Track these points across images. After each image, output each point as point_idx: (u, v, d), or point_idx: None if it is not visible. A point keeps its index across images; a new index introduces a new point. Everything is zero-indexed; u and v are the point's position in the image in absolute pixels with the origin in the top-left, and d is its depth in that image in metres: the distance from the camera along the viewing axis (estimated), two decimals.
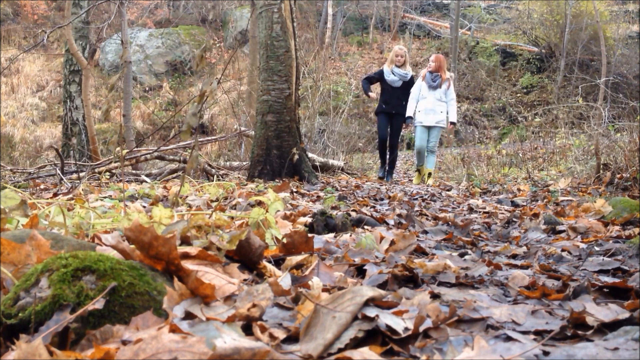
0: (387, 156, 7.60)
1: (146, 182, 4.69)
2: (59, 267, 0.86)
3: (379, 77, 7.70)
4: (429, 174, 7.14)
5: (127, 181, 4.79)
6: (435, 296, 1.11)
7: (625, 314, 0.94)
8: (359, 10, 23.87)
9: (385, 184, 6.37)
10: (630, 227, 2.43)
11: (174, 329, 0.77)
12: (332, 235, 1.91)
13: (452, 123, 7.36)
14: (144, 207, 2.38)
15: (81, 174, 4.79)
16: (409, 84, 7.54)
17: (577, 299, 1.09)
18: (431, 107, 7.18)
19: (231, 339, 0.75)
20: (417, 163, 7.46)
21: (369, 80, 7.94)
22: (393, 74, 7.48)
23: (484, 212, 3.38)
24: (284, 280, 1.13)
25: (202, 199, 2.59)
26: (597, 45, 17.32)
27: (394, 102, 7.49)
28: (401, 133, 8.07)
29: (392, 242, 1.71)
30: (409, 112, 7.40)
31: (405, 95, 7.55)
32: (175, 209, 1.75)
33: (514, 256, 1.86)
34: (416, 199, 4.26)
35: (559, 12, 18.57)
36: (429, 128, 7.21)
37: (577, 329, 0.90)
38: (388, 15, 23.83)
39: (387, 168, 7.60)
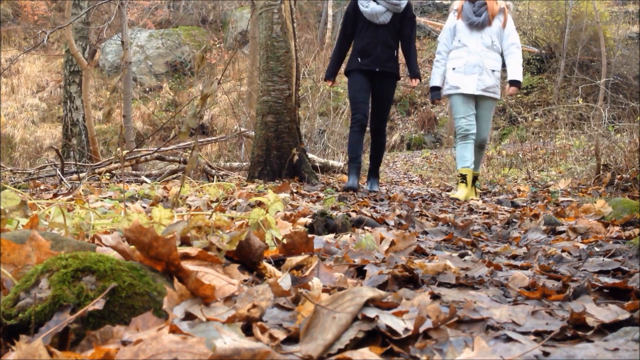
0: (361, 150, 4.66)
1: (146, 182, 4.69)
2: (59, 267, 0.86)
3: (353, 13, 4.47)
4: (475, 179, 4.43)
5: (127, 182, 4.79)
6: (435, 297, 1.11)
7: (626, 315, 0.94)
8: None
9: (371, 192, 4.47)
10: (630, 227, 2.43)
11: (174, 330, 0.77)
12: (332, 236, 1.91)
13: (514, 83, 4.31)
14: (144, 207, 2.38)
15: (81, 175, 4.79)
16: (403, 18, 4.39)
17: (577, 300, 1.09)
18: (476, 62, 4.24)
19: (231, 339, 0.75)
20: (460, 162, 4.30)
21: (345, 35, 4.57)
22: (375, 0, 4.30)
23: (484, 213, 3.38)
24: (284, 280, 1.13)
25: (202, 199, 2.59)
26: (597, 46, 17.31)
27: (377, 51, 4.35)
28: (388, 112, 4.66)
29: (392, 243, 1.71)
30: (434, 80, 4.44)
31: (398, 38, 4.45)
32: (175, 210, 1.75)
33: (514, 257, 1.86)
34: (416, 199, 4.25)
35: (559, 13, 18.57)
36: (474, 98, 4.31)
37: (577, 329, 0.90)
38: None
39: (371, 167, 4.85)
